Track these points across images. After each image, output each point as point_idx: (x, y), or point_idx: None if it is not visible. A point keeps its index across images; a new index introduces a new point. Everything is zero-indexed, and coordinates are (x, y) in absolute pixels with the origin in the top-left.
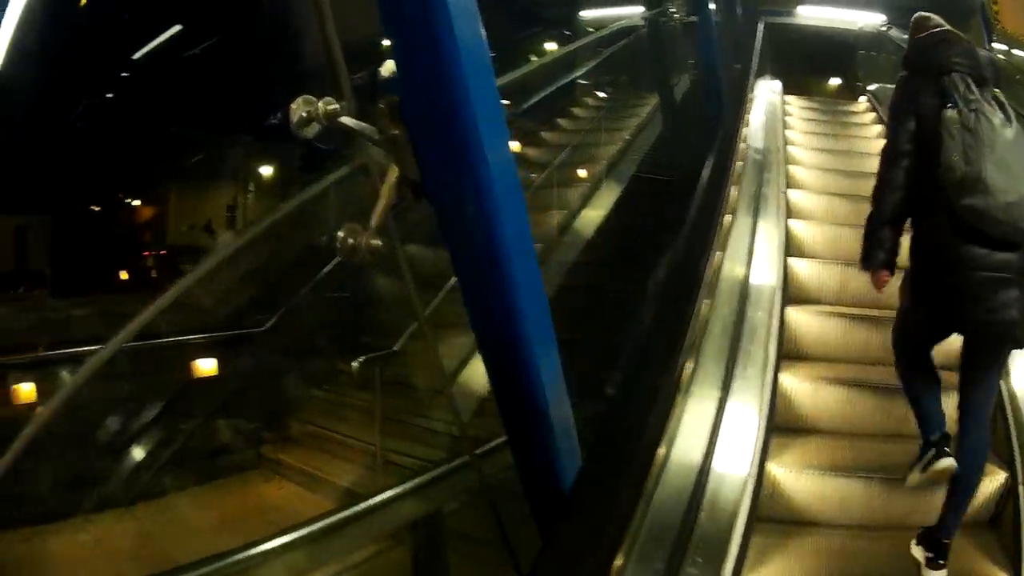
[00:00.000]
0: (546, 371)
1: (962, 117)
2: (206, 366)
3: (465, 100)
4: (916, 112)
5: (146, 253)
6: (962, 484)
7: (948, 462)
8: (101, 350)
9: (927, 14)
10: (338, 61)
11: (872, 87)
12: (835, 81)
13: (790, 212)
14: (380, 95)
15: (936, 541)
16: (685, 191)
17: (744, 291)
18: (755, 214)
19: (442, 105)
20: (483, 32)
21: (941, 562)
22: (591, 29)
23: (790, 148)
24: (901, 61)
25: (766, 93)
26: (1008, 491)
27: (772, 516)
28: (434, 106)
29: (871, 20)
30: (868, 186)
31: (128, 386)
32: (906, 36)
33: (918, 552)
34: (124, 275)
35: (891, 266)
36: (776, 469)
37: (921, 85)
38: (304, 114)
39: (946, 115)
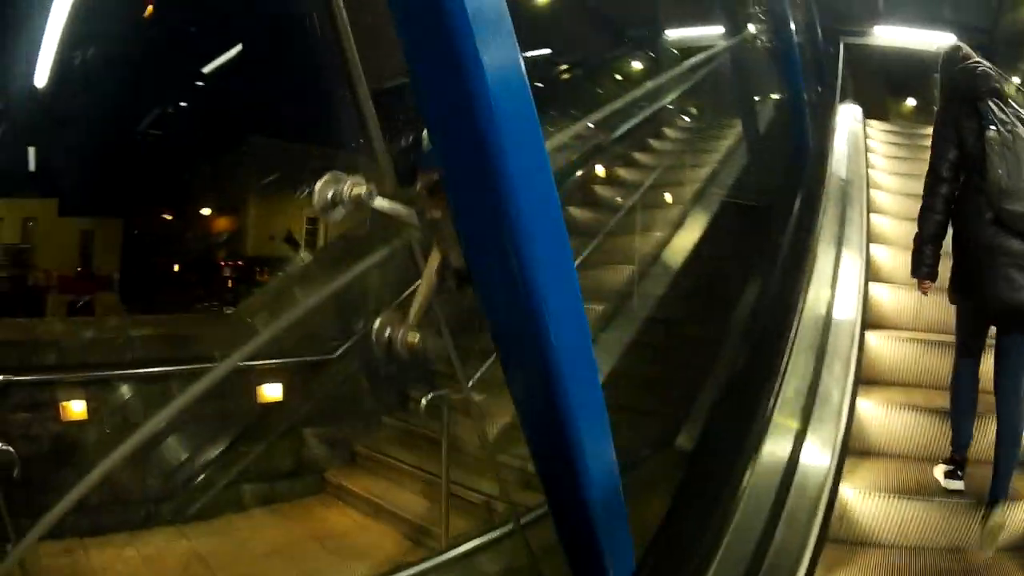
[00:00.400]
0: (597, 473)
1: (1002, 137)
2: (272, 392)
3: (504, 171)
4: (958, 136)
5: (223, 264)
6: (1002, 451)
7: (957, 485)
8: (195, 386)
9: (958, 45)
10: (373, 132)
11: None
12: (911, 102)
13: (872, 237)
14: (421, 171)
15: (993, 500)
16: (771, 221)
17: (827, 324)
18: (839, 244)
19: (478, 179)
20: (529, 92)
21: (997, 510)
22: (675, 51)
23: (871, 172)
24: (939, 90)
25: (848, 120)
26: None
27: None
28: (469, 180)
29: (944, 41)
30: None
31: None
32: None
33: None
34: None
35: (933, 276)
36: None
37: (960, 111)
38: (329, 196)
39: (989, 135)
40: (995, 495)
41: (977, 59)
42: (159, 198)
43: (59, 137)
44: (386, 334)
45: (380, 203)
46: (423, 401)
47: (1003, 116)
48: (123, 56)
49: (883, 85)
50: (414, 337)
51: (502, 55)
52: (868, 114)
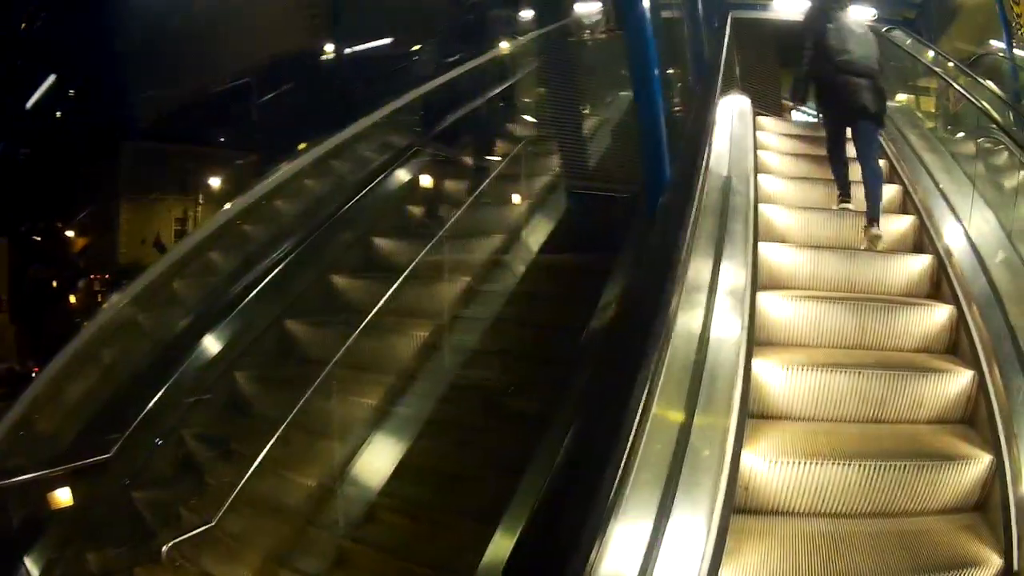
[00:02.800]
0: None
1: (833, 25)
2: (63, 496)
3: None
4: (815, 28)
5: (92, 276)
6: (871, 192)
7: (848, 204)
8: None
9: None
10: None
11: None
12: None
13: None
14: None
15: (871, 221)
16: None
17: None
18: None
19: None
20: None
21: (876, 224)
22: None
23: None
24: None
25: (729, 120)
26: (993, 474)
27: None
28: None
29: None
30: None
31: None
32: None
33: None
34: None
35: (804, 101)
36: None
37: (817, 15)
38: None
39: (829, 28)
40: (872, 216)
41: None
42: (38, 214)
43: None
44: None
45: None
46: (164, 550)
47: (835, 15)
48: None
49: (775, 63)
50: None
51: None
52: (754, 99)
